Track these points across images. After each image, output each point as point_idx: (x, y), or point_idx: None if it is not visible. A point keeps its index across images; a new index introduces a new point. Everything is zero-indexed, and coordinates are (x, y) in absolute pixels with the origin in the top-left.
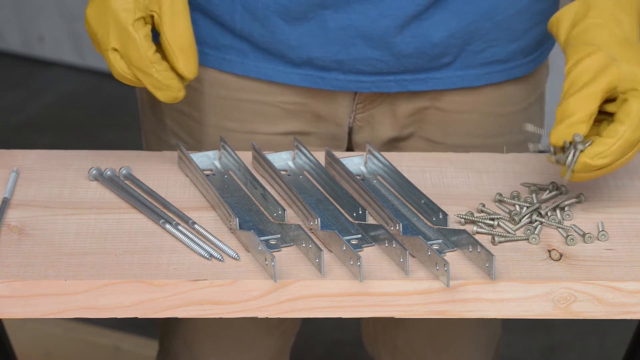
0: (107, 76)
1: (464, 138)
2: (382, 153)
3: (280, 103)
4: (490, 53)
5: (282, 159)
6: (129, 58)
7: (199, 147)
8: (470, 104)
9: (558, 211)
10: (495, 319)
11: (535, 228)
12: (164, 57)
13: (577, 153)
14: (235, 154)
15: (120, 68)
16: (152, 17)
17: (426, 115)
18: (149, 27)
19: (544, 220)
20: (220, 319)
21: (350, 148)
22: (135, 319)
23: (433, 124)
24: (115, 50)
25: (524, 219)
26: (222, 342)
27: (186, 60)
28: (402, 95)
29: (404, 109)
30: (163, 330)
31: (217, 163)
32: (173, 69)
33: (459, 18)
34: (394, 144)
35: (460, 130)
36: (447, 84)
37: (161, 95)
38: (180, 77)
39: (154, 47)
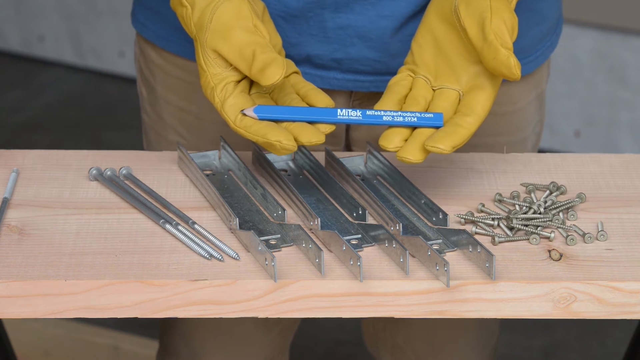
0: (107, 76)
1: None
2: (382, 153)
3: None
4: None
5: (282, 159)
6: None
7: (199, 143)
8: None
9: (561, 212)
10: (493, 319)
11: (536, 228)
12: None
13: None
14: (235, 154)
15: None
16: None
17: None
18: (240, 85)
19: (546, 217)
20: None
21: (348, 145)
22: (135, 319)
23: None
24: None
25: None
26: (222, 338)
27: (262, 76)
28: None
29: None
30: (163, 327)
31: (217, 163)
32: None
33: None
34: None
35: None
36: None
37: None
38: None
39: (237, 112)
